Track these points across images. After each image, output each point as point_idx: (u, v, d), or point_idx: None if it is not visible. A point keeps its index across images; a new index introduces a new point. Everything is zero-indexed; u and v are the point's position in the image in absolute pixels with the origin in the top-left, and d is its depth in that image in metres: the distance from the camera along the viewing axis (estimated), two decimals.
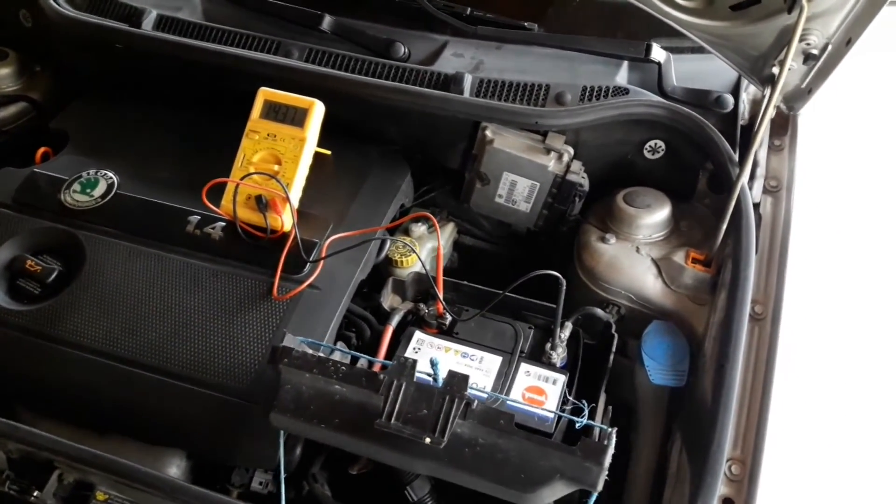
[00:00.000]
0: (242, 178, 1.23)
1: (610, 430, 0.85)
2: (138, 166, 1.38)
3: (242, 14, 1.54)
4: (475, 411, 0.84)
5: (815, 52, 1.13)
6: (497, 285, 1.23)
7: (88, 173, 1.36)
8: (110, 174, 1.36)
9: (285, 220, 1.24)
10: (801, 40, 1.11)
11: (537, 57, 1.44)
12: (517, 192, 1.43)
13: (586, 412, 0.89)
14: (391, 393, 0.85)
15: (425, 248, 1.45)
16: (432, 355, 1.17)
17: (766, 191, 1.32)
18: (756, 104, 1.43)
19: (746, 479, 1.06)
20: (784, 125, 1.35)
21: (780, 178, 1.33)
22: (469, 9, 1.44)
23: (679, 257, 1.28)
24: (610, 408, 0.97)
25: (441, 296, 1.22)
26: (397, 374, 0.86)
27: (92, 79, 1.60)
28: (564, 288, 1.13)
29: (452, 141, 1.46)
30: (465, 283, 1.29)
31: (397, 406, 0.85)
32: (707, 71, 1.43)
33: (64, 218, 1.30)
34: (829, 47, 1.11)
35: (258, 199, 1.24)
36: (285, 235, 1.25)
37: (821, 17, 1.06)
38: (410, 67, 1.40)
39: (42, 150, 1.44)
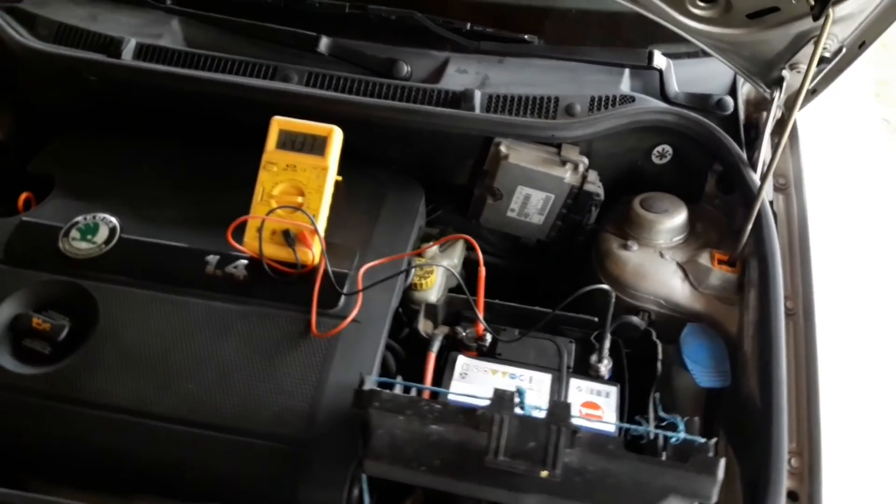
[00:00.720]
0: (269, 213, 1.17)
1: (710, 441, 0.86)
2: (138, 207, 1.30)
3: (229, 39, 1.46)
4: (581, 439, 0.83)
5: (828, 55, 1.17)
6: (507, 299, 1.23)
7: (85, 218, 1.26)
8: (110, 217, 1.26)
9: (315, 252, 1.19)
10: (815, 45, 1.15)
11: (539, 69, 1.44)
12: (531, 205, 1.43)
13: (681, 426, 0.89)
14: (494, 428, 0.83)
15: (438, 270, 1.43)
16: (481, 379, 1.17)
17: (776, 189, 1.36)
18: (750, 104, 1.48)
19: (806, 471, 1.09)
20: (783, 125, 1.40)
21: (786, 175, 1.38)
22: (469, 24, 1.42)
23: (705, 259, 1.31)
24: (696, 418, 0.98)
25: (482, 316, 1.20)
26: (497, 408, 0.84)
27: (63, 116, 1.49)
28: (613, 300, 1.14)
29: (461, 158, 1.45)
30: (497, 301, 1.27)
31: (502, 441, 0.82)
32: (703, 75, 1.47)
33: (66, 269, 1.20)
34: (843, 50, 1.16)
35: (285, 233, 1.18)
36: (314, 269, 1.19)
37: (840, 22, 1.10)
38: (416, 86, 1.38)
39: (24, 195, 1.33)
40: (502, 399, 0.84)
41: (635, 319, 1.26)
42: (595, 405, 1.14)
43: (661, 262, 1.34)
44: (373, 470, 0.87)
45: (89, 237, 1.24)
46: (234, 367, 1.11)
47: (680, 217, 1.37)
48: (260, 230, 1.17)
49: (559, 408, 0.84)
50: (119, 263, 1.21)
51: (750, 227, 1.26)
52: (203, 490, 1.06)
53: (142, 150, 1.41)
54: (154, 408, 1.08)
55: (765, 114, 1.43)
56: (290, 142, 1.22)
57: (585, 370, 1.20)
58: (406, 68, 1.41)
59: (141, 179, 1.36)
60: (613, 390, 1.16)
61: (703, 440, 0.88)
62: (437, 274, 1.40)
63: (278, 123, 1.22)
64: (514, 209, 1.44)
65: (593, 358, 1.21)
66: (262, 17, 1.47)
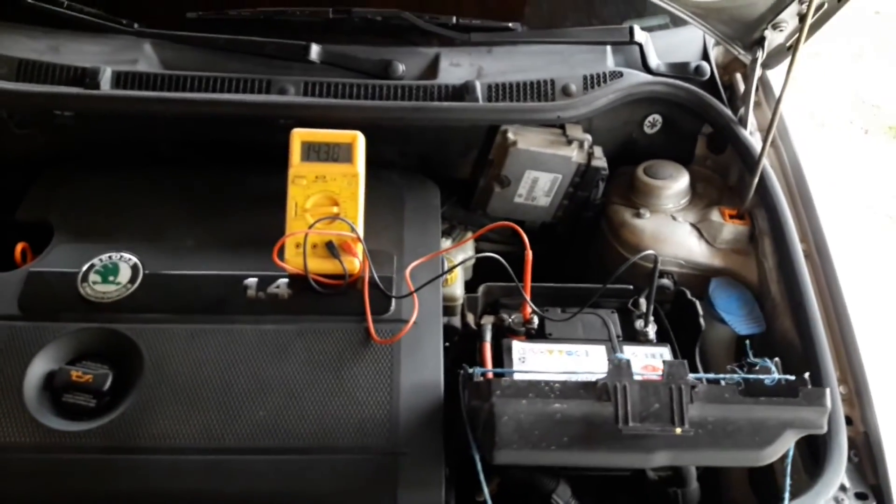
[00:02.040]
0: (311, 227, 1.14)
1: (806, 375, 0.91)
2: (152, 240, 1.23)
3: (209, 57, 1.41)
4: (700, 392, 0.86)
5: (809, 12, 1.26)
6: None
7: (101, 260, 1.18)
8: (127, 255, 1.19)
9: (359, 260, 1.17)
10: (801, 2, 1.24)
11: (527, 55, 1.47)
12: (538, 189, 1.46)
13: (773, 369, 0.94)
14: (618, 396, 0.85)
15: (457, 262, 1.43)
16: (540, 361, 1.18)
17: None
18: (720, 68, 1.57)
19: (854, 395, 1.17)
20: (765, 83, 1.49)
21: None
22: (455, 17, 1.43)
23: (716, 216, 1.38)
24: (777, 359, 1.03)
25: (529, 298, 1.22)
26: (616, 377, 0.86)
27: (37, 159, 1.39)
28: (659, 265, 1.18)
29: (464, 151, 1.46)
30: (535, 284, 1.29)
31: (629, 407, 0.85)
32: (674, 44, 1.55)
33: (94, 315, 1.13)
34: (825, 5, 1.25)
35: (328, 245, 1.16)
36: (358, 278, 1.18)
37: None
38: (416, 84, 1.38)
39: (20, 245, 1.23)
40: (619, 368, 0.87)
41: (665, 282, 1.32)
42: (654, 367, 1.18)
43: (675, 225, 1.40)
44: (503, 458, 0.87)
45: (111, 278, 1.16)
46: (302, 387, 1.08)
47: (684, 180, 1.43)
48: (304, 245, 1.14)
49: (675, 367, 0.87)
50: (151, 301, 1.15)
51: (756, 180, 1.34)
52: None
53: (139, 182, 1.34)
54: (227, 442, 1.03)
55: (738, 75, 1.53)
56: (315, 152, 1.19)
57: (633, 336, 1.25)
58: (401, 67, 1.40)
59: (147, 212, 1.28)
60: (665, 350, 1.21)
61: (791, 377, 0.93)
62: (458, 269, 1.40)
63: (300, 136, 1.19)
64: (522, 194, 1.47)
65: (638, 323, 1.25)
66: (241, 31, 1.42)
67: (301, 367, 1.10)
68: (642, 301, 1.28)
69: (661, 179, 1.42)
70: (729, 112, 1.43)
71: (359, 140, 1.20)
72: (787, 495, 0.95)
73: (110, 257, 1.19)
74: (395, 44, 1.46)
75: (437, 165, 1.48)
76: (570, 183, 1.45)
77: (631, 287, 1.29)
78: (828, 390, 0.87)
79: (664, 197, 1.42)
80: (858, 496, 1.08)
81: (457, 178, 1.51)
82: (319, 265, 1.16)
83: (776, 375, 0.92)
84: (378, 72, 1.40)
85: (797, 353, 1.21)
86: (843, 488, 1.08)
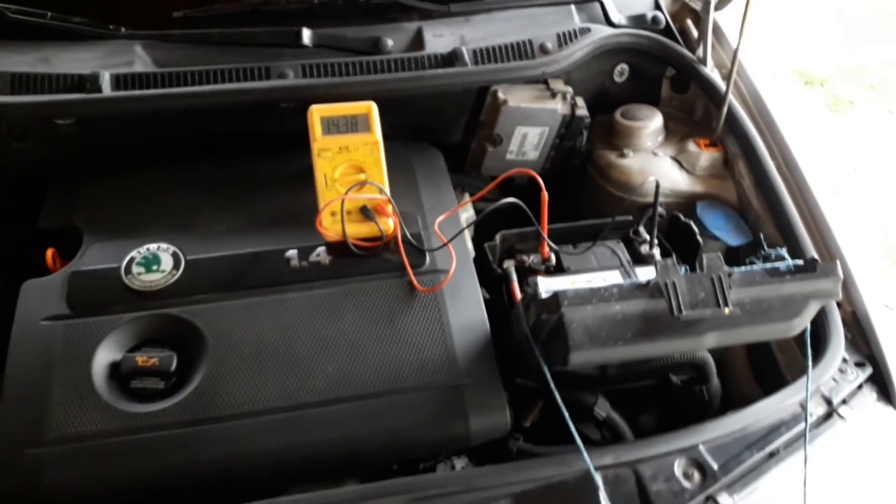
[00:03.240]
0: (347, 192, 1.21)
1: (814, 257, 1.05)
2: (184, 229, 1.27)
3: (200, 53, 1.44)
4: (735, 279, 0.99)
5: None
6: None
7: (139, 252, 1.22)
8: (164, 245, 1.23)
9: (393, 220, 1.25)
10: None
11: (502, 20, 1.57)
12: (527, 143, 1.57)
13: (786, 256, 1.08)
14: (670, 291, 0.96)
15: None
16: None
17: (722, 78, 1.61)
18: (670, 16, 1.71)
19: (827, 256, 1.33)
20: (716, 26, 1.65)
21: (725, 65, 1.63)
22: None
23: (692, 147, 1.53)
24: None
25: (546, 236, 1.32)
26: (666, 274, 0.98)
27: (38, 171, 1.40)
28: (647, 198, 1.31)
29: (455, 116, 1.55)
30: (532, 229, 1.39)
31: (681, 299, 0.96)
32: None
33: (145, 304, 1.17)
34: None
35: (362, 209, 1.23)
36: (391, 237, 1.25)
37: None
38: (407, 56, 1.46)
39: (50, 251, 1.25)
40: (666, 266, 0.98)
41: (660, 209, 1.45)
42: None
43: (657, 160, 1.53)
44: (577, 360, 0.97)
45: (154, 268, 1.20)
46: (362, 340, 1.15)
47: (658, 119, 1.57)
48: (342, 212, 1.21)
49: (712, 259, 0.99)
50: (198, 284, 1.19)
51: (725, 110, 1.48)
52: (385, 453, 1.10)
53: (156, 178, 1.37)
54: (302, 398, 1.10)
55: (688, 21, 1.68)
56: (335, 126, 1.26)
57: (640, 260, 1.37)
58: (390, 42, 1.48)
59: (171, 204, 1.32)
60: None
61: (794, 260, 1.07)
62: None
63: (317, 112, 1.26)
64: (513, 150, 1.57)
65: (643, 248, 1.38)
66: (228, 26, 1.47)
67: (356, 323, 1.17)
68: (642, 229, 1.41)
69: (639, 121, 1.56)
70: (689, 54, 1.58)
71: (373, 109, 1.28)
72: (809, 363, 1.09)
73: (148, 249, 1.22)
74: (378, 22, 1.53)
75: (429, 133, 1.56)
76: (557, 134, 1.56)
77: (630, 218, 1.41)
78: (838, 262, 1.01)
79: (643, 136, 1.56)
80: (857, 364, 1.24)
81: (448, 144, 1.59)
82: (356, 229, 1.23)
83: (790, 261, 1.05)
84: (368, 48, 1.47)
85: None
86: (843, 360, 1.23)
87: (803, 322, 1.02)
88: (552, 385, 1.02)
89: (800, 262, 1.06)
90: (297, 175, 1.39)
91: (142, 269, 1.20)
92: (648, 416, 1.37)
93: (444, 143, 1.58)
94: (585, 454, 1.02)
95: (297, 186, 1.37)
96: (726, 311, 0.95)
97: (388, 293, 1.20)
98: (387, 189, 1.25)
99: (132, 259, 1.21)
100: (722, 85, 1.55)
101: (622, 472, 1.06)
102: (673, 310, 0.96)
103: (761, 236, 1.31)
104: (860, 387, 1.22)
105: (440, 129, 1.56)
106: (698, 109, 1.62)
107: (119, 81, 1.36)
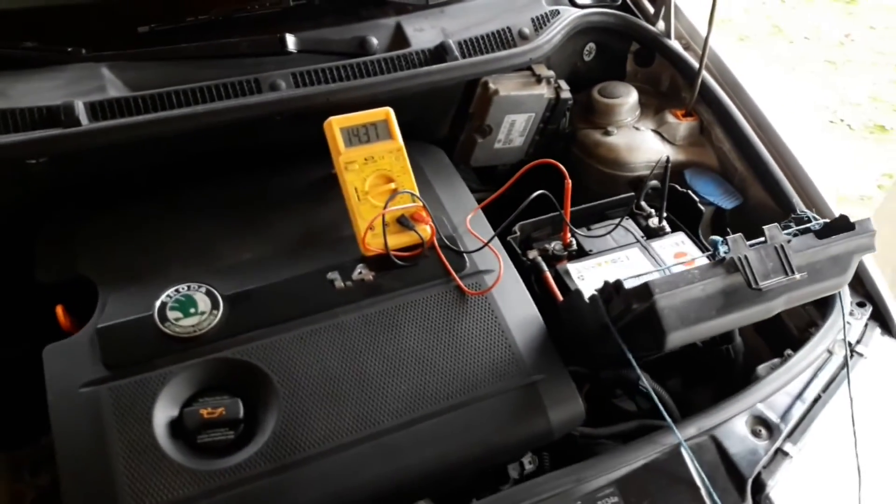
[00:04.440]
0: (386, 205, 1.17)
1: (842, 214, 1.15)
2: (207, 263, 1.19)
3: (174, 70, 1.33)
4: (793, 245, 1.06)
5: None
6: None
7: (169, 296, 1.12)
8: (195, 284, 1.14)
9: (430, 228, 1.22)
10: None
11: (476, 10, 1.55)
12: (514, 130, 1.58)
13: (813, 216, 1.16)
14: (744, 265, 1.02)
15: None
16: (596, 274, 1.33)
17: (685, 48, 1.68)
18: None
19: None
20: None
21: (685, 37, 1.71)
22: None
23: (671, 118, 1.60)
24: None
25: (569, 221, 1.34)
26: (737, 250, 1.03)
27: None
28: (635, 173, 1.36)
29: (445, 110, 1.53)
30: (550, 215, 1.42)
31: (754, 271, 1.02)
32: None
33: (189, 351, 1.08)
34: None
35: (400, 220, 1.20)
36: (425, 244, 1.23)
37: None
38: (396, 55, 1.41)
39: (59, 308, 1.13)
40: (736, 242, 1.03)
41: (654, 183, 1.51)
42: (682, 253, 1.38)
43: (640, 134, 1.59)
44: (672, 343, 1.01)
45: (192, 310, 1.11)
46: (427, 353, 1.13)
47: (634, 95, 1.63)
48: (383, 225, 1.17)
49: (772, 230, 1.06)
50: (243, 321, 1.12)
51: (699, 81, 1.56)
52: (476, 463, 1.09)
53: (156, 209, 1.26)
54: (386, 423, 1.07)
55: None
56: (356, 136, 1.21)
57: (650, 233, 1.43)
58: (375, 42, 1.43)
59: (183, 237, 1.22)
60: (682, 236, 1.41)
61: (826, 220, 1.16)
62: None
63: (337, 123, 1.20)
64: (501, 139, 1.58)
65: (652, 221, 1.43)
66: (199, 38, 1.36)
67: (417, 336, 1.14)
68: (644, 204, 1.46)
69: (618, 97, 1.61)
70: (653, 28, 1.64)
71: (391, 113, 1.24)
72: (844, 310, 1.20)
73: (178, 290, 1.13)
74: (355, 21, 1.47)
75: (417, 131, 1.52)
76: (542, 118, 1.58)
77: (633, 194, 1.46)
78: (869, 216, 1.10)
79: (623, 112, 1.61)
80: (859, 304, 1.37)
81: (435, 140, 1.57)
82: (396, 241, 1.20)
83: (820, 220, 1.14)
84: (355, 50, 1.41)
85: (772, 210, 1.47)
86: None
87: (849, 276, 1.11)
88: (639, 370, 1.05)
89: (827, 220, 1.15)
90: (306, 189, 1.34)
91: (178, 314, 1.10)
92: (674, 380, 1.45)
93: (431, 140, 1.56)
94: (676, 431, 1.07)
95: (309, 201, 1.31)
96: (798, 277, 1.01)
97: (439, 301, 1.19)
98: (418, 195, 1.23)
99: (164, 304, 1.11)
100: (686, 56, 1.63)
101: (702, 441, 1.11)
102: (750, 283, 1.01)
103: (795, 201, 1.39)
104: (866, 325, 1.35)
105: (428, 125, 1.54)
106: (664, 81, 1.70)
107: (96, 110, 1.23)
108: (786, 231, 1.14)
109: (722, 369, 1.38)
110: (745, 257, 1.02)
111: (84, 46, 1.30)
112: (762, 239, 1.07)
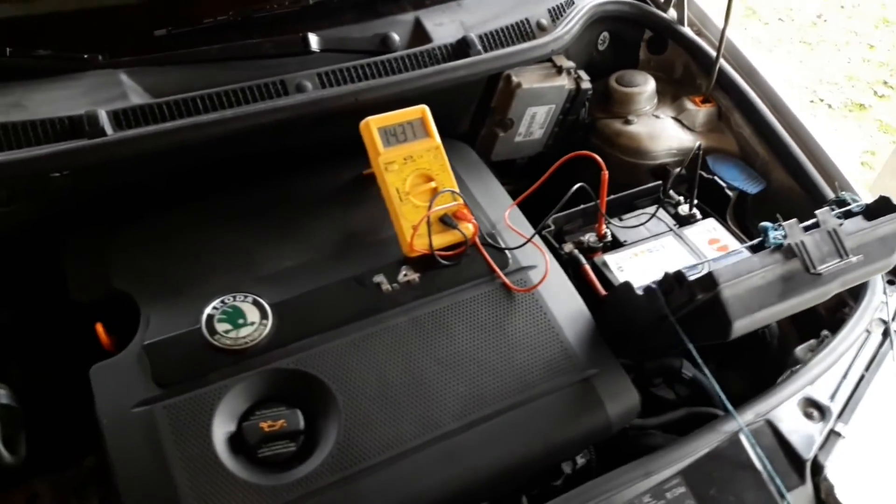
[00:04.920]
0: (431, 206, 1.15)
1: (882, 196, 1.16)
2: (248, 272, 1.16)
3: (195, 73, 1.29)
4: (844, 229, 1.06)
5: None
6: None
7: (215, 308, 1.09)
8: (241, 295, 1.11)
9: (472, 226, 1.21)
10: None
11: (492, 2, 1.54)
12: (535, 123, 1.56)
13: (855, 199, 1.17)
14: (802, 250, 1.02)
15: None
16: (634, 265, 1.32)
17: (697, 34, 1.68)
18: None
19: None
20: None
21: (695, 23, 1.71)
22: None
23: (690, 105, 1.60)
24: None
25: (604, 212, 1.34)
26: (794, 236, 1.03)
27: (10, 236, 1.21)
28: (655, 161, 1.36)
29: (467, 106, 1.51)
30: (581, 207, 1.41)
31: (811, 256, 1.02)
32: None
33: (243, 363, 1.05)
34: None
35: (442, 219, 1.18)
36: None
37: None
38: (419, 51, 1.39)
39: (99, 326, 1.09)
40: (793, 227, 1.04)
41: (679, 170, 1.51)
42: (716, 240, 1.38)
43: (660, 122, 1.59)
44: (738, 330, 1.01)
45: (240, 321, 1.08)
46: (482, 353, 1.11)
47: (652, 83, 1.63)
48: (429, 226, 1.15)
49: (825, 214, 1.06)
50: (294, 330, 1.09)
51: (717, 67, 1.56)
52: (539, 462, 1.09)
53: (187, 217, 1.22)
54: (448, 425, 1.05)
55: None
56: (394, 136, 1.19)
57: (680, 221, 1.43)
58: (397, 38, 1.41)
59: (219, 245, 1.19)
60: (713, 223, 1.41)
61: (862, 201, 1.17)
62: None
63: (374, 123, 1.18)
64: (522, 132, 1.56)
65: (682, 209, 1.43)
66: (216, 40, 1.32)
67: (469, 336, 1.13)
68: (672, 192, 1.46)
69: (637, 86, 1.60)
70: (666, 16, 1.64)
71: (427, 111, 1.22)
72: (886, 290, 1.21)
73: (223, 302, 1.10)
74: (373, 17, 1.45)
75: (440, 128, 1.50)
76: (562, 110, 1.57)
77: (659, 182, 1.46)
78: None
79: (642, 101, 1.61)
80: (889, 283, 1.38)
81: (455, 135, 1.55)
82: (440, 240, 1.18)
83: (862, 202, 1.15)
84: (377, 47, 1.39)
85: (797, 194, 1.48)
86: None
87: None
88: (699, 360, 1.05)
89: (868, 202, 1.16)
90: (337, 191, 1.31)
91: (228, 326, 1.07)
92: (709, 366, 1.45)
93: (452, 136, 1.54)
94: (738, 417, 1.07)
95: (341, 203, 1.29)
96: (854, 259, 1.02)
97: (487, 300, 1.17)
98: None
99: (211, 317, 1.08)
100: (701, 42, 1.63)
101: (759, 426, 1.12)
102: (808, 267, 1.01)
103: (820, 184, 1.40)
104: None
105: (450, 121, 1.51)
106: (678, 68, 1.70)
107: (119, 119, 1.19)
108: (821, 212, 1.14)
109: (756, 353, 1.39)
110: (802, 243, 1.03)
111: (100, 53, 1.26)
112: (812, 221, 1.07)
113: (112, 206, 1.24)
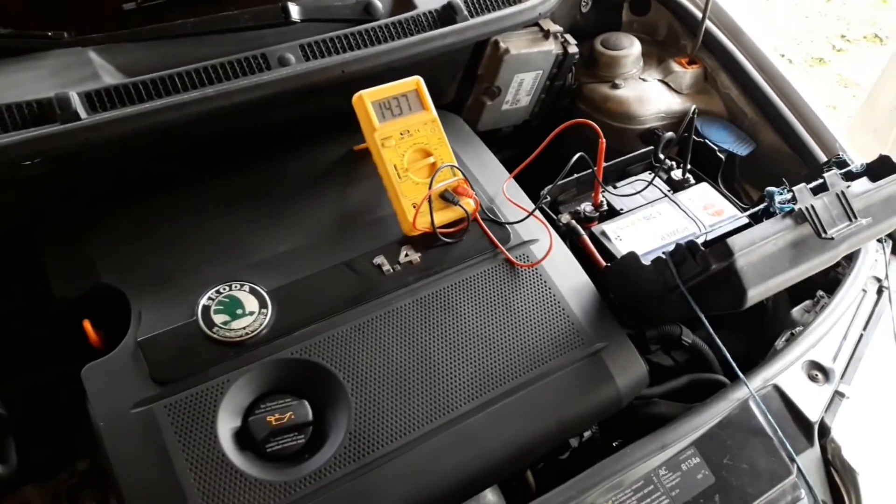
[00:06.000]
0: (431, 182, 1.11)
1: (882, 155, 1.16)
2: (241, 258, 1.10)
3: (169, 49, 1.21)
4: (851, 191, 1.06)
5: None
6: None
7: (210, 298, 1.04)
8: (236, 284, 1.06)
9: (473, 201, 1.17)
10: None
11: None
12: (522, 90, 1.52)
13: (849, 159, 1.17)
14: (812, 215, 1.01)
15: None
16: (633, 233, 1.30)
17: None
18: None
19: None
20: None
21: None
22: None
23: (676, 67, 1.57)
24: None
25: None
26: (804, 200, 1.02)
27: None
28: (644, 126, 1.34)
29: (453, 74, 1.46)
30: (576, 176, 1.38)
31: (822, 220, 1.02)
32: None
33: (244, 355, 1.01)
34: None
35: (443, 195, 1.14)
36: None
37: None
38: (404, 18, 1.33)
39: (87, 323, 1.03)
40: (802, 191, 1.02)
41: (670, 134, 1.49)
42: (710, 204, 1.37)
43: (648, 85, 1.56)
44: (752, 298, 1.00)
45: (239, 311, 1.03)
46: (488, 332, 1.09)
47: (637, 45, 1.59)
48: (430, 203, 1.11)
49: (833, 177, 1.05)
50: (295, 316, 1.05)
51: (703, 28, 1.54)
52: (553, 439, 1.07)
53: (171, 204, 1.16)
54: (459, 407, 1.03)
55: None
56: (388, 109, 1.14)
57: (676, 186, 1.41)
58: (379, 5, 1.34)
59: (208, 232, 1.13)
60: (706, 187, 1.40)
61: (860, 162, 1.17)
62: None
63: (368, 97, 1.13)
64: (509, 100, 1.52)
65: (676, 173, 1.42)
66: (183, 13, 1.24)
67: (474, 315, 1.10)
68: (662, 156, 1.44)
69: (622, 49, 1.57)
70: None
71: (421, 82, 1.17)
72: (886, 252, 1.22)
73: (218, 291, 1.05)
74: None
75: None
76: (549, 75, 1.53)
77: (651, 148, 1.44)
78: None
79: (628, 64, 1.57)
80: (878, 241, 1.39)
81: (441, 107, 1.50)
82: (440, 217, 1.14)
83: (864, 162, 1.14)
84: (360, 15, 1.32)
85: (786, 154, 1.48)
86: None
87: None
88: (710, 330, 1.04)
89: (869, 161, 1.16)
90: (327, 169, 1.26)
91: (226, 317, 1.02)
92: (702, 330, 1.45)
93: (437, 106, 1.49)
94: (748, 384, 1.07)
95: (333, 182, 1.24)
96: (864, 222, 1.02)
97: (490, 277, 1.14)
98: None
99: (207, 308, 1.03)
100: (685, 2, 1.60)
101: (767, 392, 1.12)
102: (819, 232, 1.00)
103: (809, 144, 1.39)
104: (888, 261, 1.38)
105: (436, 91, 1.46)
106: (661, 29, 1.67)
107: (93, 101, 1.11)
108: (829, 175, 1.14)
109: (752, 315, 1.39)
110: (812, 207, 1.02)
111: (66, 30, 1.17)
112: (817, 183, 1.06)
113: (91, 194, 1.17)
